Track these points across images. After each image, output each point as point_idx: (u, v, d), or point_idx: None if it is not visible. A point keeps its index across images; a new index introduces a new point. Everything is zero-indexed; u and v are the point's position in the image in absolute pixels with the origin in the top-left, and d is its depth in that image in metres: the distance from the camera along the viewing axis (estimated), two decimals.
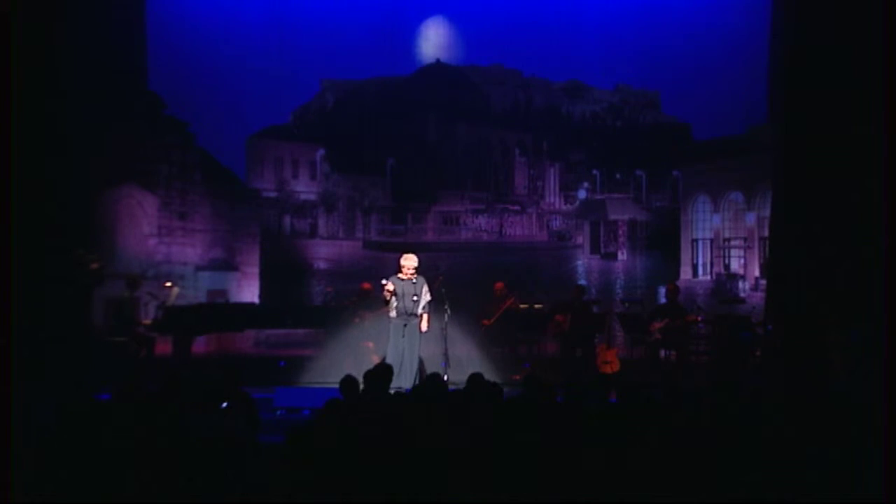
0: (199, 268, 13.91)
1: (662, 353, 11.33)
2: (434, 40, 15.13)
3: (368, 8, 14.77)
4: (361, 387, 6.44)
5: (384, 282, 9.15)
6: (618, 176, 15.60)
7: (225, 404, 5.93)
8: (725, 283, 14.42)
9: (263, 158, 15.21)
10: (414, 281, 9.24)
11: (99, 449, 4.81)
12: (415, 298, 9.18)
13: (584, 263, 15.56)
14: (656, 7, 14.48)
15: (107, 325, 10.79)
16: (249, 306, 13.04)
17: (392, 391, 6.71)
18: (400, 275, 9.25)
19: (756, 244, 14.20)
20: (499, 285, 11.96)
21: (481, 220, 15.68)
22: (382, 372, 6.74)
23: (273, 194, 15.19)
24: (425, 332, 9.32)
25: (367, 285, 11.43)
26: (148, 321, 10.85)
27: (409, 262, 9.26)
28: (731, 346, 11.45)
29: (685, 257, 15.13)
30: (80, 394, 5.80)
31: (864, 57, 9.54)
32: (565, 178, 15.73)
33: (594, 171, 15.64)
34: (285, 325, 12.26)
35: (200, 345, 11.48)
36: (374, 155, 15.37)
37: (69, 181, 10.43)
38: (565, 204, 15.72)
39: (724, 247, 14.76)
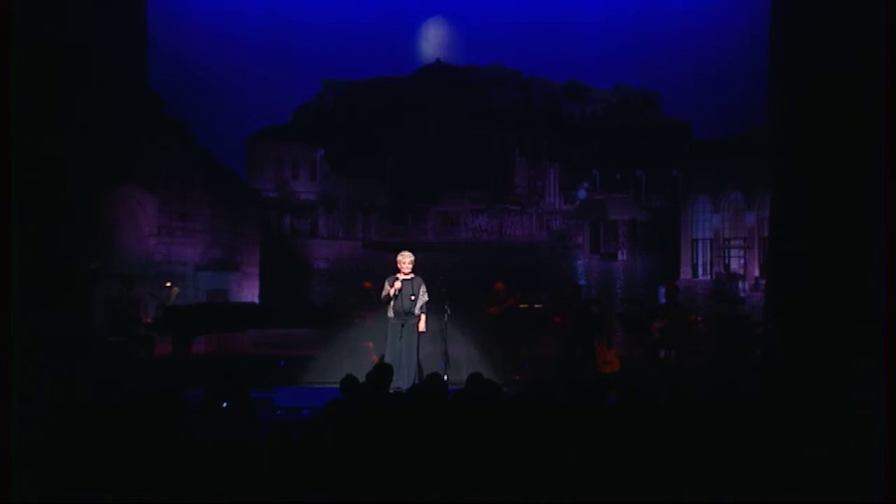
0: (199, 268, 13.91)
1: (662, 353, 11.33)
2: (434, 40, 15.15)
3: (368, 8, 14.78)
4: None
5: (397, 276, 9.14)
6: (618, 176, 15.61)
7: (225, 404, 5.93)
8: (725, 283, 14.41)
9: (263, 158, 15.23)
10: (411, 280, 9.25)
11: (99, 449, 4.81)
12: (412, 297, 9.18)
13: (584, 263, 15.56)
14: (656, 7, 14.49)
15: (106, 325, 10.78)
16: (249, 306, 13.04)
17: (391, 391, 6.71)
18: (399, 274, 9.25)
19: (756, 244, 14.19)
20: (499, 286, 11.96)
21: (481, 220, 15.68)
22: (383, 372, 6.74)
23: (273, 194, 15.20)
24: (423, 333, 9.32)
25: (368, 284, 11.42)
26: (148, 321, 10.85)
27: (406, 257, 9.27)
28: (731, 346, 11.45)
29: (685, 257, 15.13)
30: (79, 394, 5.80)
31: (863, 56, 9.54)
32: (565, 178, 15.74)
33: (594, 171, 15.64)
34: (285, 325, 12.25)
35: (200, 345, 11.48)
36: (374, 155, 15.38)
37: (69, 181, 10.42)
38: (565, 204, 15.72)
39: (724, 247, 14.76)
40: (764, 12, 12.54)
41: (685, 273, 15.05)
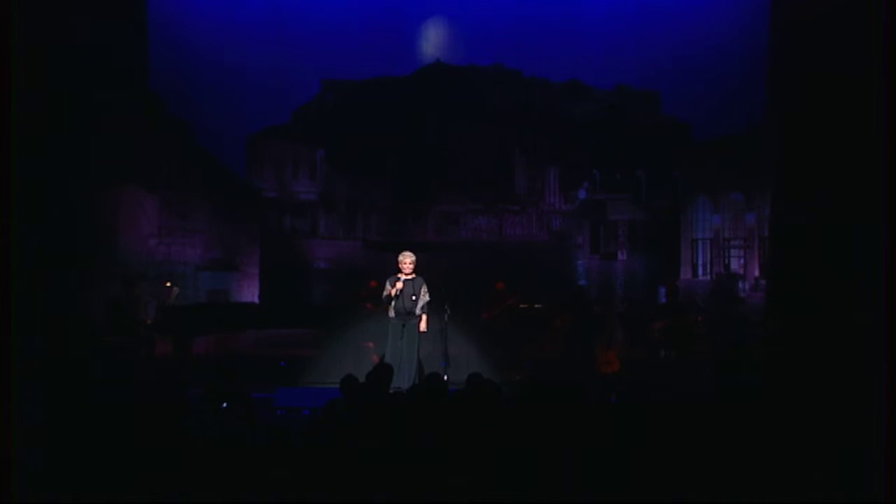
0: (199, 268, 13.90)
1: (662, 353, 11.34)
2: (434, 40, 15.13)
3: (368, 8, 14.77)
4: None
5: (398, 276, 9.16)
6: (618, 176, 15.60)
7: (225, 404, 5.94)
8: (725, 283, 14.41)
9: (263, 158, 15.21)
10: (412, 280, 9.26)
11: (99, 449, 4.82)
12: (413, 297, 9.19)
13: (584, 263, 15.56)
14: (656, 7, 14.47)
15: (107, 325, 10.78)
16: (249, 306, 13.04)
17: (391, 391, 6.71)
18: (400, 274, 9.27)
19: (756, 244, 14.18)
20: (499, 285, 11.98)
21: (481, 220, 15.67)
22: (383, 372, 6.75)
23: (273, 194, 15.19)
24: (424, 333, 9.32)
25: (374, 283, 11.42)
26: (148, 321, 10.85)
27: (407, 257, 9.29)
28: (731, 346, 11.46)
29: (685, 257, 15.12)
30: (80, 393, 5.81)
31: (863, 56, 9.54)
32: (565, 178, 15.73)
33: (594, 171, 15.64)
34: (285, 325, 12.25)
35: (200, 345, 11.47)
36: (374, 155, 15.37)
37: (69, 181, 10.42)
38: (565, 204, 15.72)
39: (724, 247, 14.75)
40: (764, 12, 12.54)
41: (685, 273, 15.04)
